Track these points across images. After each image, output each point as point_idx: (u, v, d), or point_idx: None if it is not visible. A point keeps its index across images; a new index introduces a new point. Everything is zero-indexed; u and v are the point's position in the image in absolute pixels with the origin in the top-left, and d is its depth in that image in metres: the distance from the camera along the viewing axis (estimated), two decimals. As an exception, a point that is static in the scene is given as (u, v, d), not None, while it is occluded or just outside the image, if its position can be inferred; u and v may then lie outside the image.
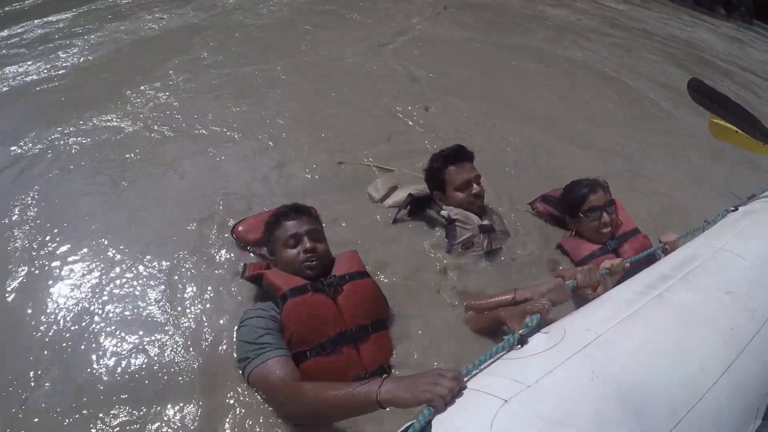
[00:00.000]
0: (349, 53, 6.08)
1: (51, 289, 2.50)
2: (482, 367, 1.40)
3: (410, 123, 4.60)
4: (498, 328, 2.27)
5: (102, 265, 2.66)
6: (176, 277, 2.61)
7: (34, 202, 3.08)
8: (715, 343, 1.59)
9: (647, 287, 1.80)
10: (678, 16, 15.39)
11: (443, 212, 3.00)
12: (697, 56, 10.38)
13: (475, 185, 3.04)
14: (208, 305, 2.47)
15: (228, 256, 2.76)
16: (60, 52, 5.46)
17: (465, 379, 1.35)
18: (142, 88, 4.62)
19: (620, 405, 1.26)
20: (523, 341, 1.43)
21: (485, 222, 3.01)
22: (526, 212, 3.54)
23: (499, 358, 1.42)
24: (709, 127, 3.45)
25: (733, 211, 2.83)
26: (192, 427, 1.96)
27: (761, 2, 19.98)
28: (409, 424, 1.24)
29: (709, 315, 1.70)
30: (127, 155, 3.60)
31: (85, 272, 2.61)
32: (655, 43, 10.45)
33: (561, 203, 3.26)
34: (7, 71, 4.98)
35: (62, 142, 3.72)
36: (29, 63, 5.18)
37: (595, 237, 3.03)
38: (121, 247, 2.78)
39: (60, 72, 5.00)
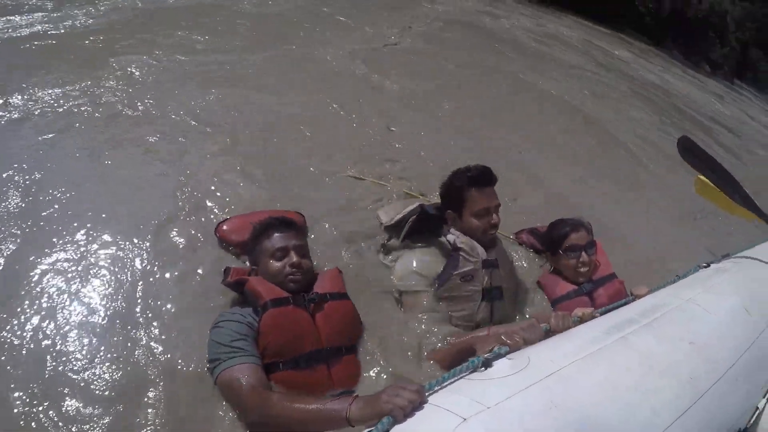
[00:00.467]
0: (337, 57, 6.16)
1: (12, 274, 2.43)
2: (445, 384, 1.44)
3: (382, 136, 4.61)
4: (466, 358, 2.30)
5: (71, 249, 2.60)
6: (150, 271, 2.57)
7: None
8: (673, 389, 1.64)
9: (613, 328, 1.86)
10: (667, 67, 16.00)
11: (450, 236, 2.78)
12: (675, 106, 10.81)
13: (494, 215, 2.83)
14: (181, 304, 2.44)
15: (207, 255, 2.74)
16: (76, 10, 5.50)
17: (427, 394, 1.39)
18: (136, 62, 4.61)
19: None
20: (487, 364, 1.47)
21: (491, 257, 2.84)
22: (510, 239, 3.57)
23: (461, 378, 1.46)
24: (695, 182, 3.58)
25: (705, 267, 2.92)
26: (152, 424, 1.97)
27: (746, 63, 20.96)
28: (367, 431, 1.28)
29: (670, 362, 1.75)
30: (108, 130, 3.57)
31: (51, 253, 2.56)
32: (637, 88, 10.84)
33: (544, 238, 3.32)
34: (18, 19, 5.01)
35: (44, 103, 3.69)
36: (42, 14, 5.22)
37: (572, 275, 3.08)
38: (97, 234, 2.72)
39: (63, 30, 5.02)
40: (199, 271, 2.64)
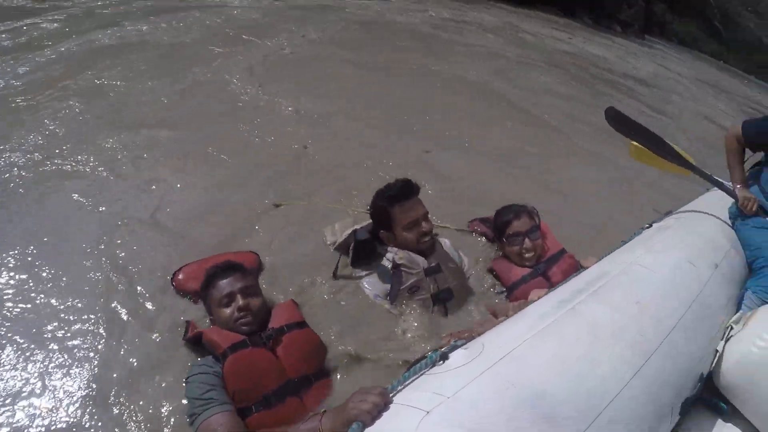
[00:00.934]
0: (241, 77, 6.25)
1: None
2: (407, 382, 1.54)
3: (298, 157, 4.65)
4: None
5: (21, 319, 2.59)
6: (110, 333, 2.58)
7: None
8: (624, 350, 1.76)
9: (561, 301, 1.98)
10: (584, 36, 16.91)
11: (388, 255, 2.96)
12: (594, 74, 11.35)
13: (423, 224, 2.97)
14: (147, 366, 2.46)
15: (167, 309, 2.76)
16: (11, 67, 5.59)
17: (392, 394, 1.49)
18: (54, 115, 4.65)
19: (533, 412, 1.40)
20: (444, 357, 1.58)
21: (432, 264, 2.99)
22: (461, 232, 3.72)
23: (423, 374, 1.56)
24: (630, 149, 3.79)
25: (648, 227, 3.09)
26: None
27: (652, 19, 22.36)
28: None
29: (618, 325, 1.87)
30: (37, 188, 3.57)
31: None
32: (554, 61, 11.32)
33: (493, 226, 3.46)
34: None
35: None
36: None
37: (519, 261, 3.23)
38: (46, 304, 2.69)
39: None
40: (162, 328, 2.66)
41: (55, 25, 7.20)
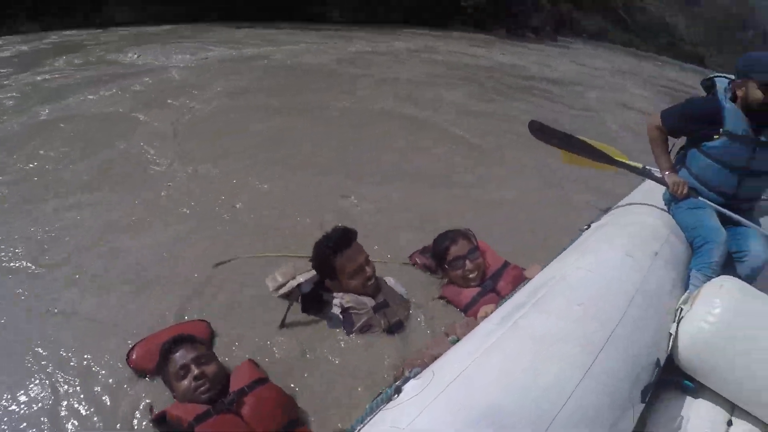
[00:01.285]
0: (152, 144, 6.23)
1: None
2: (366, 421, 1.61)
3: (230, 216, 4.63)
4: None
5: None
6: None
7: None
8: (571, 354, 1.85)
9: (504, 317, 2.07)
10: (495, 47, 17.62)
11: (335, 301, 3.11)
12: (506, 81, 11.77)
13: (366, 268, 3.14)
14: None
15: (128, 389, 2.73)
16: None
17: None
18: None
19: (488, 429, 1.48)
20: (398, 391, 1.65)
21: (379, 300, 3.15)
22: (404, 265, 3.82)
23: (380, 411, 1.63)
24: (561, 155, 3.98)
25: (587, 229, 3.23)
26: None
27: (561, 19, 24.52)
28: None
29: (564, 331, 1.96)
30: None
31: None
32: (469, 75, 11.75)
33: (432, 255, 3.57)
34: None
35: None
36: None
37: (464, 283, 3.35)
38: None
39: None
40: (126, 411, 2.62)
41: (7, 103, 7.40)
